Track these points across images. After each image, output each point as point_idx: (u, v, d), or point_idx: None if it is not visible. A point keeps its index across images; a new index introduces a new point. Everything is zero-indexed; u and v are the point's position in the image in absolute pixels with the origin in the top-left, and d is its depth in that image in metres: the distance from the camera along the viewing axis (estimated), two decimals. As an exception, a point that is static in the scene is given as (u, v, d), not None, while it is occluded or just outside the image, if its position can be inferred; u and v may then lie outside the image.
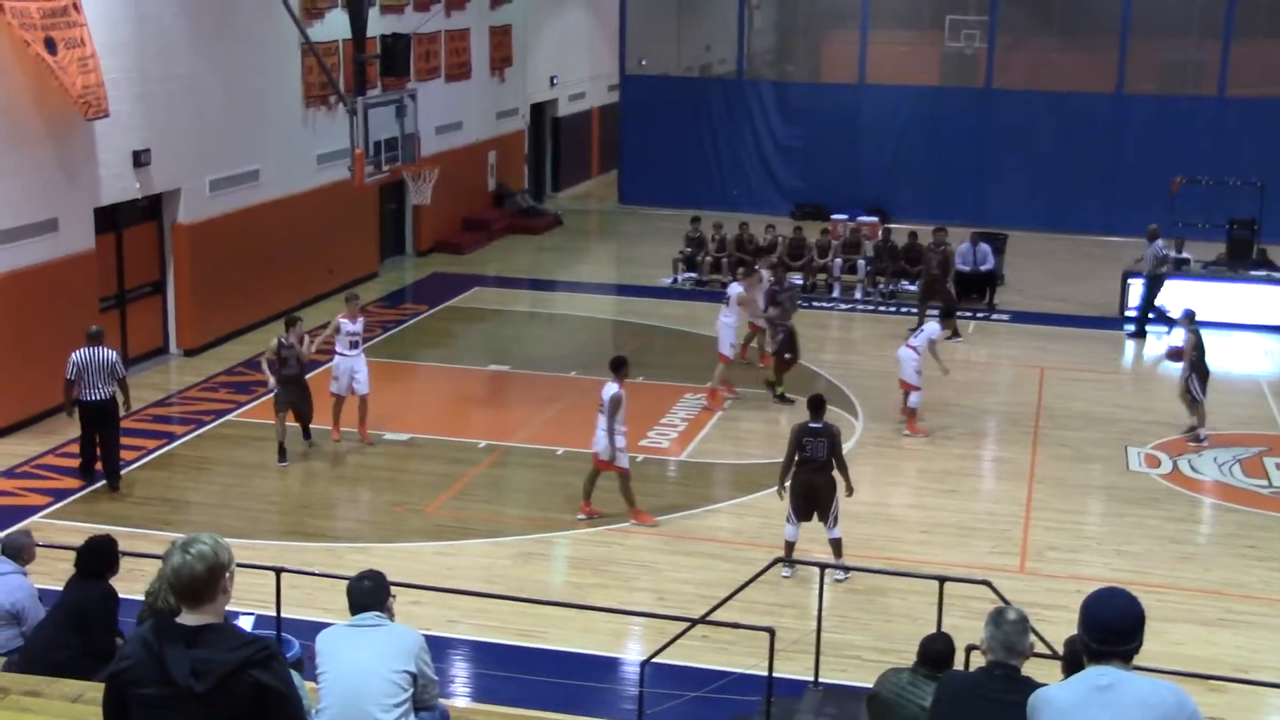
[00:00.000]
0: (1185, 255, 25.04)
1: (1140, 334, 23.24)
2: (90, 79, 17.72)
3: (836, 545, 13.55)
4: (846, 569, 13.35)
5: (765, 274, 20.27)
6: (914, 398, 18.05)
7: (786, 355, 19.23)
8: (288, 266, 22.59)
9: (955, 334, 22.48)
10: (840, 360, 21.36)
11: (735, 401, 19.17)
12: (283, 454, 16.56)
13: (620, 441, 14.62)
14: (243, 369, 20.36)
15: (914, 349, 18.08)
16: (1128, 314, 23.88)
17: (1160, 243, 23.23)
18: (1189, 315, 18.58)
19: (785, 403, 18.81)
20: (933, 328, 18.71)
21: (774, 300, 19.41)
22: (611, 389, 14.57)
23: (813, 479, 13.42)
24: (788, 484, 13.55)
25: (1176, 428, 18.38)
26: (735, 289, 19.63)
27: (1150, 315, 23.23)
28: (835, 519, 13.49)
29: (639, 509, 14.97)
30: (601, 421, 14.66)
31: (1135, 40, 31.04)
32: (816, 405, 13.68)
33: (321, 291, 23.60)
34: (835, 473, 13.44)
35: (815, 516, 13.53)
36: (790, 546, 13.56)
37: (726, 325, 19.31)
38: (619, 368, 14.85)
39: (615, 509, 15.16)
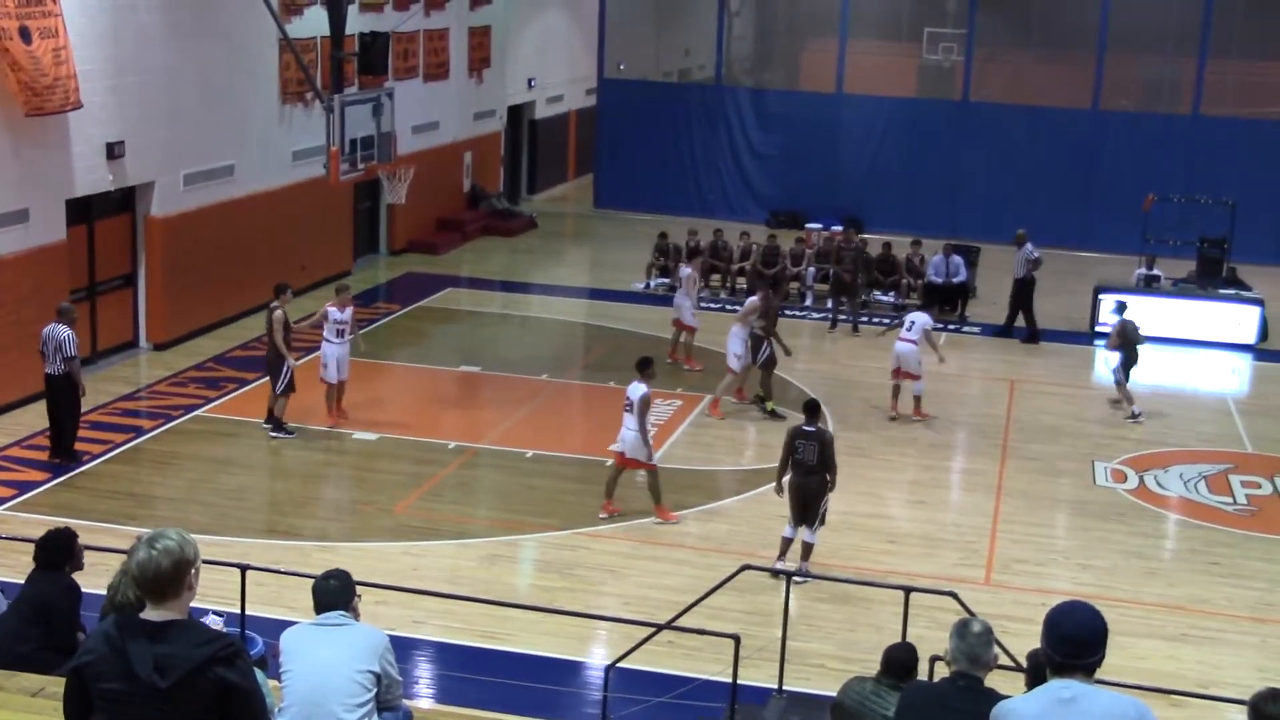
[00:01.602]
0: (1156, 272, 25.21)
1: (1007, 334, 23.84)
2: (62, 70, 17.62)
3: (807, 549, 13.69)
4: (808, 574, 13.41)
5: (693, 272, 21.55)
6: (918, 386, 18.93)
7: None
8: (261, 262, 22.49)
9: (855, 330, 23.56)
10: (812, 369, 21.39)
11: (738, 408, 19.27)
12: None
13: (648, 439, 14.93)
14: (213, 364, 20.29)
15: (913, 342, 18.81)
16: (1098, 329, 24.01)
17: (1029, 247, 23.68)
18: (1121, 306, 20.17)
19: (776, 418, 18.65)
20: (923, 318, 19.19)
21: (765, 313, 19.38)
22: (641, 389, 14.80)
23: (804, 481, 13.65)
24: (785, 484, 13.81)
25: (1144, 443, 18.52)
26: (753, 301, 19.53)
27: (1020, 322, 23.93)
28: (821, 521, 13.72)
29: (664, 505, 15.14)
30: (629, 421, 14.84)
31: (1112, 57, 31.21)
32: (812, 410, 14.01)
33: (294, 289, 23.44)
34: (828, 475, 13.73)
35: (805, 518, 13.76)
36: (786, 543, 13.80)
37: (736, 337, 19.20)
38: (645, 367, 15.12)
39: (590, 511, 15.20)
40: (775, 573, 13.32)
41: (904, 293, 25.45)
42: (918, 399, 18.97)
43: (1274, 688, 5.59)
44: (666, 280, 26.23)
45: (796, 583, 13.12)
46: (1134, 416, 19.43)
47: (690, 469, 17.08)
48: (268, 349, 17.36)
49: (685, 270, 21.69)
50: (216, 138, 21.71)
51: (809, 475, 13.62)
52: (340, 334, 17.54)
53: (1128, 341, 19.63)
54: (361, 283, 25.93)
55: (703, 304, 22.67)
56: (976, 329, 24.37)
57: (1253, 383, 22.71)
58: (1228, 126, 30.50)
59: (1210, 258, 25.50)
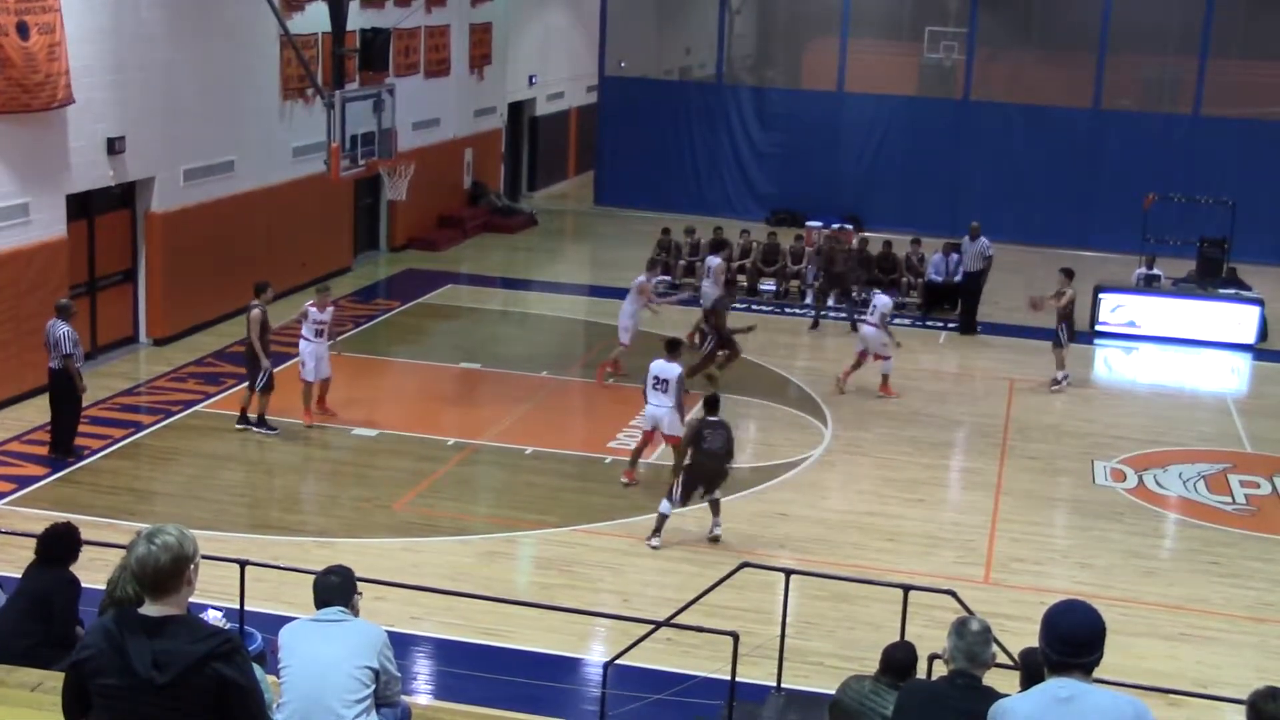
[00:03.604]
0: (1156, 272, 25.22)
1: (973, 330, 23.99)
2: (55, 67, 17.60)
3: (714, 505, 14.59)
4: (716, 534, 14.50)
5: (721, 262, 22.73)
6: (887, 365, 19.75)
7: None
8: (261, 259, 22.46)
9: (854, 328, 23.25)
10: (811, 367, 21.41)
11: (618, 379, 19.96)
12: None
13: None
14: (212, 360, 20.28)
15: (874, 324, 19.76)
16: (1098, 328, 24.04)
17: (984, 241, 23.74)
18: (1069, 273, 21.11)
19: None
20: (883, 300, 20.15)
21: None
22: (675, 368, 15.55)
23: (711, 465, 14.32)
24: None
25: (1143, 443, 18.54)
26: (640, 281, 20.73)
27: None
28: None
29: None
30: (660, 399, 15.54)
31: (1113, 56, 31.21)
32: (712, 404, 14.57)
33: (294, 285, 23.46)
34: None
35: (701, 496, 14.48)
36: (662, 520, 14.36)
37: (626, 313, 20.31)
38: (675, 348, 16.05)
39: (589, 508, 15.21)
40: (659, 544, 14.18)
41: (904, 291, 25.45)
42: (885, 377, 19.79)
43: (1273, 686, 5.60)
44: (668, 278, 26.23)
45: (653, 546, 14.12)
46: (1058, 382, 20.66)
47: (689, 467, 17.07)
48: (246, 349, 17.28)
49: (714, 260, 22.56)
50: (217, 133, 21.70)
51: (714, 459, 14.33)
52: (319, 334, 17.49)
53: (1071, 307, 20.78)
54: (361, 279, 25.96)
55: (701, 302, 22.68)
56: (977, 327, 24.33)
57: (1252, 382, 22.72)
58: (1228, 126, 30.49)
59: (1210, 257, 25.51)
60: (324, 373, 17.66)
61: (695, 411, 15.66)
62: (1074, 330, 21.13)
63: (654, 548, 14.24)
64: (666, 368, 15.64)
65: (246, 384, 17.39)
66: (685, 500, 14.40)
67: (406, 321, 23.55)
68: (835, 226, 28.01)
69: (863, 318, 20.15)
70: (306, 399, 17.64)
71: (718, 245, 24.74)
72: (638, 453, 16.19)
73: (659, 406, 15.61)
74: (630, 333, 20.18)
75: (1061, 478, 17.26)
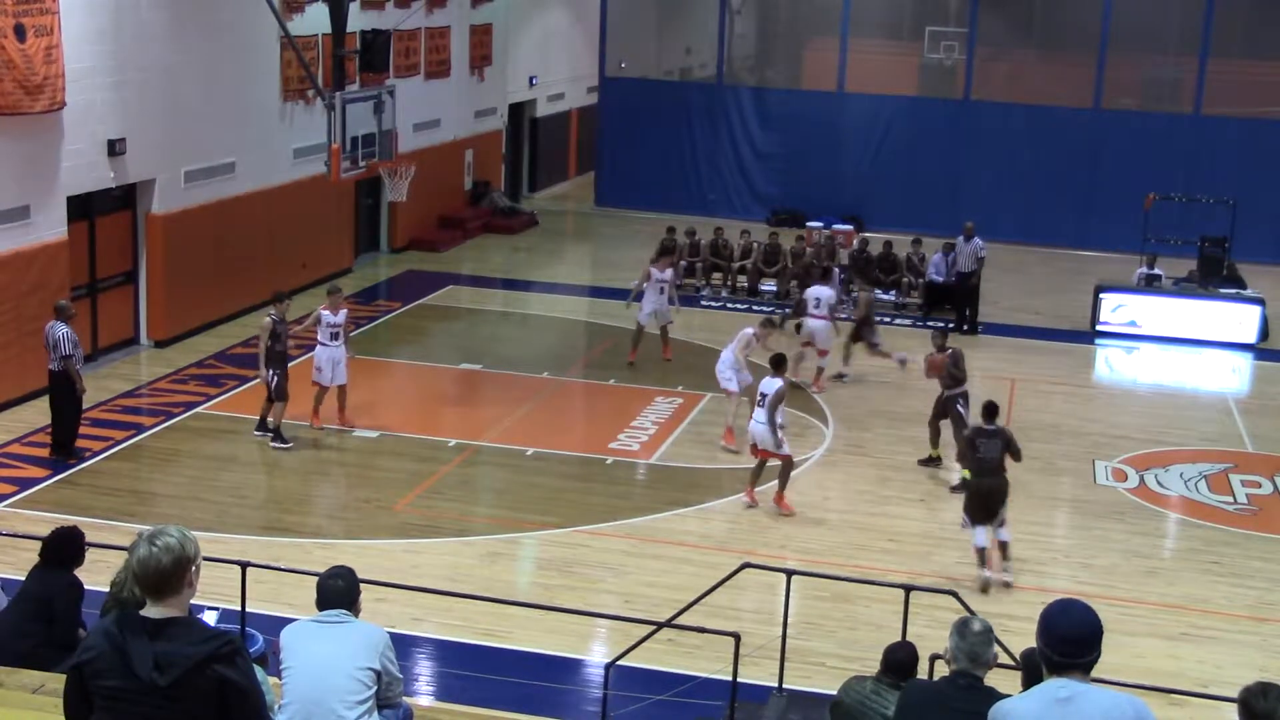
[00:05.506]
0: (1157, 271, 25.22)
1: (974, 330, 23.75)
2: (51, 69, 17.60)
3: (1003, 547, 13.97)
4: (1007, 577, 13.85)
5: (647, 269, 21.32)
6: (824, 360, 20.33)
7: None
8: (261, 260, 22.49)
9: (798, 329, 23.01)
10: (812, 368, 21.37)
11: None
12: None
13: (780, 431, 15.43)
14: (214, 361, 20.28)
15: (823, 318, 20.16)
16: (1099, 328, 24.04)
17: (978, 241, 23.67)
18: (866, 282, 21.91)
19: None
20: (827, 293, 20.37)
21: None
22: (775, 383, 15.35)
23: (987, 480, 13.88)
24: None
25: (1144, 442, 18.54)
26: (747, 332, 17.95)
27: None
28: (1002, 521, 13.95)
29: (784, 496, 15.57)
30: (759, 414, 15.38)
31: (1113, 56, 31.21)
32: (990, 412, 14.23)
33: (295, 286, 23.45)
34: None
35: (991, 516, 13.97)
36: (981, 553, 13.81)
37: (725, 362, 17.99)
38: (780, 365, 15.77)
39: (590, 508, 15.21)
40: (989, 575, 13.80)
41: (905, 291, 25.45)
42: (820, 370, 20.12)
43: (1264, 682, 5.58)
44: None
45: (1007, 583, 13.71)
46: (901, 362, 20.43)
47: (690, 467, 17.08)
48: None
49: (657, 272, 20.94)
50: (218, 135, 21.71)
51: (991, 475, 13.84)
52: (334, 337, 17.27)
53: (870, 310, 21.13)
54: (362, 280, 25.96)
55: (703, 303, 22.68)
56: (979, 327, 24.32)
57: (1253, 382, 22.71)
58: (1229, 126, 30.49)
59: (1211, 257, 25.51)
60: (340, 378, 17.35)
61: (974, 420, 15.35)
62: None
63: (984, 580, 13.71)
64: (767, 382, 15.47)
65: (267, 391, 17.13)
66: (976, 522, 13.79)
67: (407, 322, 23.55)
68: (772, 233, 27.63)
69: (813, 313, 20.07)
70: (318, 402, 17.41)
71: (664, 251, 22.85)
72: (755, 473, 15.76)
73: (758, 422, 15.46)
74: (735, 381, 17.50)
75: (1063, 477, 17.26)
